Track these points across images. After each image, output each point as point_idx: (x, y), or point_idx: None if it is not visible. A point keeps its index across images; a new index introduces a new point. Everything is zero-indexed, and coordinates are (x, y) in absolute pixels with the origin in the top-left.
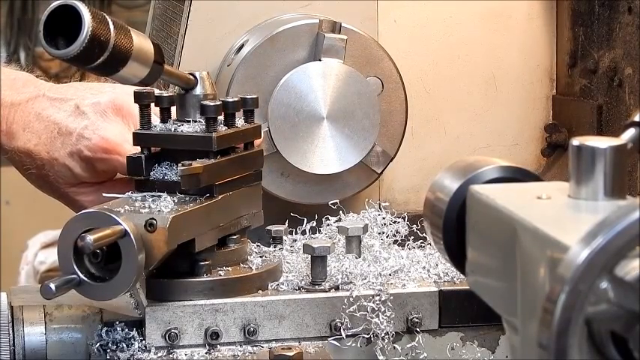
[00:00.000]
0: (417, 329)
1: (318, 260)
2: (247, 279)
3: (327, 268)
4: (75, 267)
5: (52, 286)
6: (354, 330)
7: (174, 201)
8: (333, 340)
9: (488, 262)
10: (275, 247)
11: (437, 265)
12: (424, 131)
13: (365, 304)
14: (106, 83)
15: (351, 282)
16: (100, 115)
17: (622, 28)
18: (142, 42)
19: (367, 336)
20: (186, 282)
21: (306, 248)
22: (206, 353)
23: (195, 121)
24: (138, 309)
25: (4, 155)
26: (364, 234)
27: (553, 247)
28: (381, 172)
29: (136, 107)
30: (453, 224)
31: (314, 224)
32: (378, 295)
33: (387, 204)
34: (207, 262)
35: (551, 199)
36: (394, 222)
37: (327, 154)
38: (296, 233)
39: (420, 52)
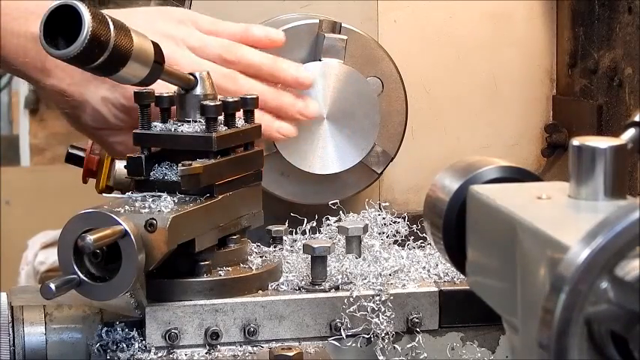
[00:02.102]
0: (417, 329)
1: (318, 260)
2: (247, 279)
3: (327, 268)
4: (75, 267)
5: (52, 286)
6: (354, 330)
7: (174, 201)
8: (333, 340)
9: (488, 262)
10: (275, 247)
11: (437, 265)
12: (424, 131)
13: (365, 304)
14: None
15: (351, 282)
16: None
17: (622, 28)
18: (142, 42)
19: (367, 336)
20: (186, 282)
21: (306, 248)
22: (206, 353)
23: (196, 121)
24: (138, 309)
25: (43, 92)
26: (364, 234)
27: (553, 247)
28: (381, 172)
29: (170, 50)
30: (453, 224)
31: (314, 224)
32: (378, 295)
33: (387, 204)
34: (207, 262)
35: (551, 199)
36: (394, 222)
37: (327, 154)
38: (296, 233)
39: (420, 52)
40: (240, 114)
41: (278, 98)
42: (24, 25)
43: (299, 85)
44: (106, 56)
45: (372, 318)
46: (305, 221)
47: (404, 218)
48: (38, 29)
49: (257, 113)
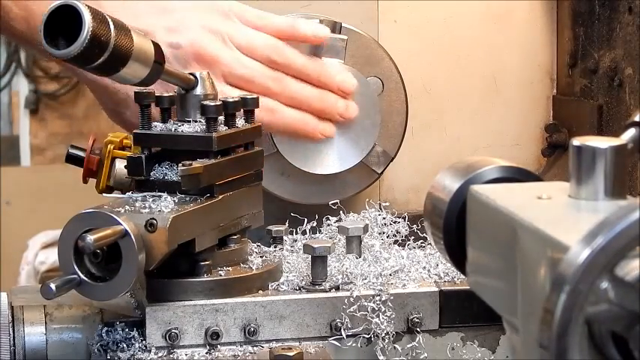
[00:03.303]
0: (418, 329)
1: (318, 260)
2: (247, 279)
3: (328, 268)
4: (75, 267)
5: (53, 286)
6: (355, 330)
7: (174, 201)
8: (334, 340)
9: (488, 262)
10: (275, 247)
11: (437, 265)
12: (424, 131)
13: (365, 304)
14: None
15: (351, 282)
16: (180, 64)
17: (622, 28)
18: (142, 42)
19: (367, 336)
20: (186, 282)
21: (307, 248)
22: (206, 353)
23: (196, 121)
24: (138, 309)
25: (88, 86)
26: (364, 234)
27: (553, 247)
28: (382, 172)
29: (217, 48)
30: (453, 224)
31: (314, 224)
32: (379, 295)
33: (387, 204)
34: (207, 262)
35: (551, 199)
36: (394, 222)
37: (327, 154)
38: (296, 233)
39: (421, 52)
40: (240, 114)
41: (322, 100)
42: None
43: (342, 92)
44: (107, 56)
45: (373, 318)
46: (305, 221)
47: (404, 218)
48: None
49: (300, 114)
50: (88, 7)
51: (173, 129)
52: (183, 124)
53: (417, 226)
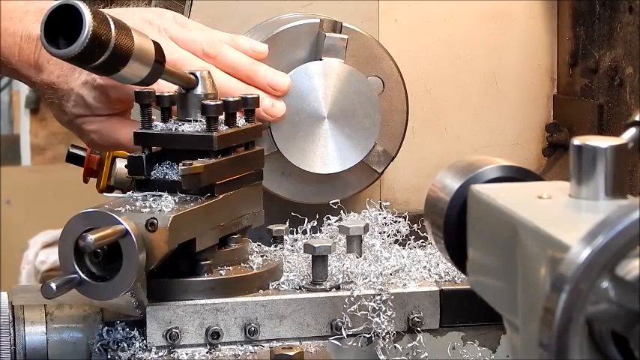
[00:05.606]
0: (418, 329)
1: (318, 260)
2: (248, 278)
3: (328, 268)
4: (76, 266)
5: (53, 285)
6: (355, 329)
7: (175, 200)
8: (334, 339)
9: (489, 262)
10: (276, 246)
11: (438, 264)
12: (425, 131)
13: (366, 303)
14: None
15: (351, 281)
16: None
17: (623, 27)
18: (142, 41)
19: (368, 335)
20: (187, 281)
21: (307, 248)
22: (207, 353)
23: (196, 121)
24: (139, 308)
25: (33, 87)
26: (365, 233)
27: (554, 247)
28: (382, 172)
29: (150, 34)
30: (453, 224)
31: (315, 224)
32: (379, 295)
33: (387, 203)
34: (208, 262)
35: (552, 198)
36: (395, 221)
37: (327, 153)
38: (297, 233)
39: (421, 52)
40: (241, 113)
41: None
42: (19, 25)
43: (273, 90)
44: (107, 56)
45: (373, 317)
46: (306, 221)
47: (405, 218)
48: (36, 29)
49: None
50: (89, 6)
51: (174, 128)
52: (183, 124)
53: (418, 225)
